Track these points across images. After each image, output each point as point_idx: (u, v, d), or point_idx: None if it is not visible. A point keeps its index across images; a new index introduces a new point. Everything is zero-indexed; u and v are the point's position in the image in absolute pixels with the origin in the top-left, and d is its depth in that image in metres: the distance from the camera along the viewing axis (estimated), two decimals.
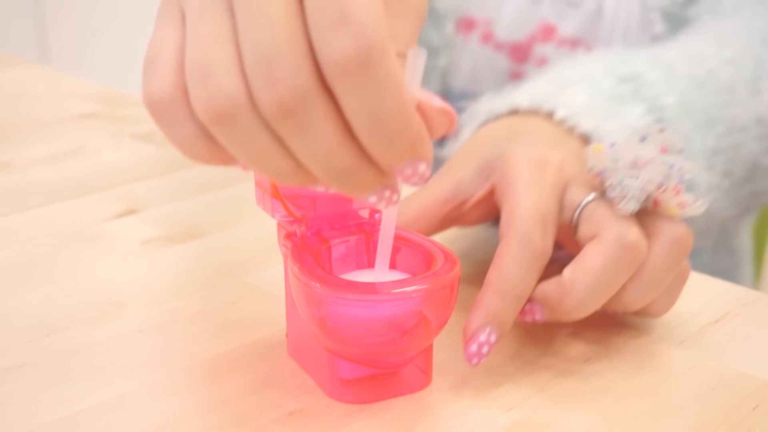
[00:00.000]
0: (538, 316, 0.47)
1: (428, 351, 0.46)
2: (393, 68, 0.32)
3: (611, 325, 0.52)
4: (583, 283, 0.45)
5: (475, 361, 0.45)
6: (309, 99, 0.32)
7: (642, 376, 0.47)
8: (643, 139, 0.47)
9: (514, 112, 0.57)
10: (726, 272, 0.87)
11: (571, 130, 0.55)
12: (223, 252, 0.60)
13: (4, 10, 2.39)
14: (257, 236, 0.61)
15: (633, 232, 0.46)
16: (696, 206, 0.47)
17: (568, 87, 0.58)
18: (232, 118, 0.33)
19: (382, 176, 0.35)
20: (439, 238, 0.57)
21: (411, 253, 0.45)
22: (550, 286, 0.46)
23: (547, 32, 0.81)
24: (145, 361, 0.48)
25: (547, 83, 0.59)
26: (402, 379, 0.45)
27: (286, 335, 0.48)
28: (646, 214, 0.48)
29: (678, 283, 0.49)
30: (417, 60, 0.34)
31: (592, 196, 0.48)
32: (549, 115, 0.56)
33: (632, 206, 0.46)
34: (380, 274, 0.43)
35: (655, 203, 0.47)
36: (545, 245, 0.46)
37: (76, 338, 0.50)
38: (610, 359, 0.48)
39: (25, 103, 0.89)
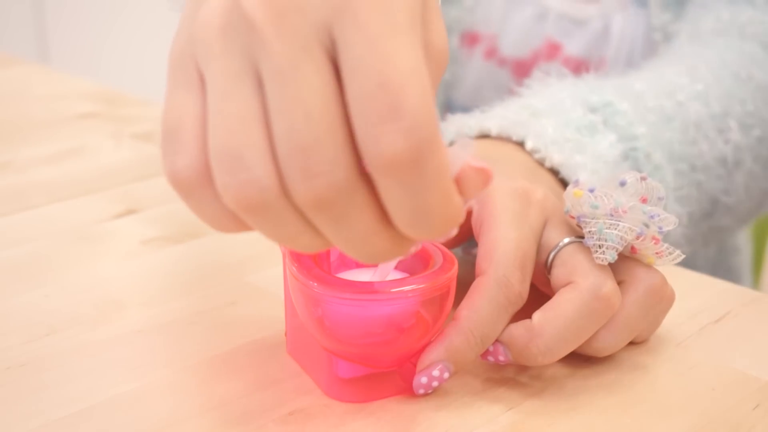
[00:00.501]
0: (502, 358, 0.45)
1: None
2: (443, 164, 0.30)
3: None
4: (552, 329, 0.44)
5: (421, 391, 0.44)
6: (348, 193, 0.31)
7: (642, 376, 0.47)
8: (623, 184, 0.46)
9: (484, 136, 0.56)
10: (730, 269, 0.87)
11: (541, 162, 0.54)
12: (223, 252, 0.60)
13: (4, 10, 2.39)
14: (257, 236, 0.61)
15: (608, 285, 0.44)
16: (673, 256, 0.46)
17: (538, 116, 0.56)
18: (263, 207, 0.32)
19: (411, 244, 0.34)
20: None
21: None
22: (517, 329, 0.44)
23: (552, 50, 0.81)
24: (145, 361, 0.48)
25: (516, 111, 0.57)
26: (400, 379, 0.45)
27: (285, 334, 0.49)
28: (623, 259, 0.47)
29: (662, 311, 0.48)
30: (466, 148, 0.33)
31: (567, 240, 0.47)
32: (519, 145, 0.55)
33: (610, 257, 0.45)
34: (382, 273, 0.43)
35: (633, 250, 0.46)
36: (522, 291, 0.45)
37: (76, 338, 0.50)
38: (610, 359, 0.48)
39: (25, 103, 0.89)
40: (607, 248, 0.45)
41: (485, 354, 0.45)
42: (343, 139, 0.30)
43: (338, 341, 0.42)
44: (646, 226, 0.45)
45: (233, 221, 0.34)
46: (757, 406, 0.45)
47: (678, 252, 0.46)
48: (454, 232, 0.33)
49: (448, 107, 0.84)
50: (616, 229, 0.45)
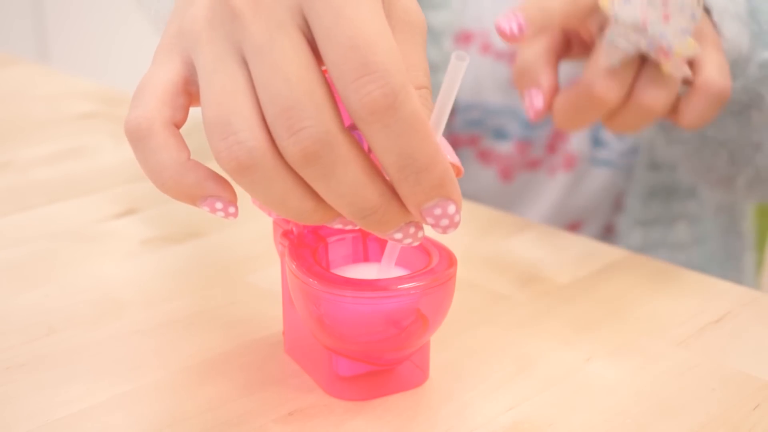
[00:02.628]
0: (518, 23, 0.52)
1: (425, 348, 0.46)
2: (417, 108, 0.34)
3: (611, 325, 0.52)
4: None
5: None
6: (331, 144, 0.34)
7: (642, 376, 0.47)
8: (650, 3, 0.51)
9: None
10: (735, 256, 0.87)
11: None
12: (222, 252, 0.60)
13: (4, 10, 2.39)
14: (257, 236, 0.61)
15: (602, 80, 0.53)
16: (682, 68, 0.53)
17: None
18: (252, 168, 0.35)
19: (406, 213, 0.36)
20: (437, 236, 0.57)
21: (409, 250, 0.45)
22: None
23: None
24: (145, 361, 0.48)
25: None
26: (399, 376, 0.45)
27: (283, 333, 0.49)
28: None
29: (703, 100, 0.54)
30: (444, 106, 0.37)
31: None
32: None
33: (613, 63, 0.52)
34: (385, 268, 0.43)
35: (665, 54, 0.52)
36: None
37: (76, 338, 0.50)
38: (610, 359, 0.48)
39: (24, 102, 0.89)
40: (609, 57, 0.53)
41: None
42: (322, 98, 0.34)
43: (338, 339, 0.42)
44: (654, 43, 0.52)
45: (175, 175, 0.38)
46: (757, 406, 0.45)
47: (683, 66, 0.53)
48: (454, 208, 0.36)
49: (453, 107, 0.84)
50: (625, 42, 0.52)
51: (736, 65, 0.60)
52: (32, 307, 0.53)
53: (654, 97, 0.54)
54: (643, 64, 0.54)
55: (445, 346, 0.49)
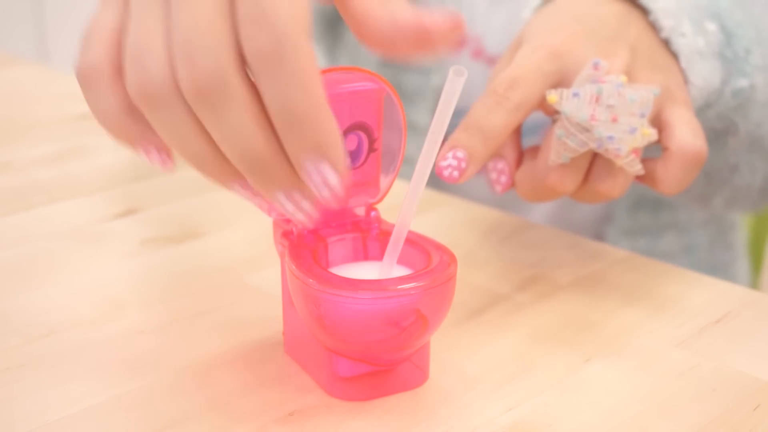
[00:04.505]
0: (503, 178, 0.53)
1: (425, 348, 0.46)
2: (304, 63, 0.35)
3: (611, 325, 0.52)
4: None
5: (446, 173, 0.50)
6: (225, 82, 0.36)
7: (642, 376, 0.47)
8: (599, 102, 0.49)
9: None
10: (723, 267, 0.87)
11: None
12: (222, 252, 0.60)
13: (4, 10, 2.39)
14: (257, 236, 0.61)
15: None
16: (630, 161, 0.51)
17: None
18: (158, 99, 0.37)
19: (293, 174, 0.38)
20: (437, 236, 0.57)
21: (409, 250, 0.45)
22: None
23: None
24: (145, 361, 0.48)
25: None
26: (399, 376, 0.45)
27: (283, 333, 0.49)
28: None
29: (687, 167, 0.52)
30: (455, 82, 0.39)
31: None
32: None
33: (563, 159, 0.51)
34: (386, 268, 0.43)
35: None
36: (511, 96, 0.51)
37: (76, 338, 0.50)
38: (610, 359, 0.48)
39: (24, 103, 0.89)
40: (557, 153, 0.51)
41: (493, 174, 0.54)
42: (226, 38, 0.36)
43: (338, 339, 0.42)
44: (600, 144, 0.50)
45: (121, 119, 0.39)
46: (758, 407, 0.45)
47: (632, 158, 0.51)
48: (334, 177, 0.37)
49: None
50: (571, 139, 0.50)
51: (709, 96, 0.59)
52: (32, 307, 0.53)
53: (609, 186, 0.52)
54: (596, 154, 0.52)
55: (445, 346, 0.49)
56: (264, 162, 0.37)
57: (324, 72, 0.43)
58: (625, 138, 0.49)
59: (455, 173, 0.50)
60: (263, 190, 0.39)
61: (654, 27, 0.57)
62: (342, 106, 0.45)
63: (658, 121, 0.54)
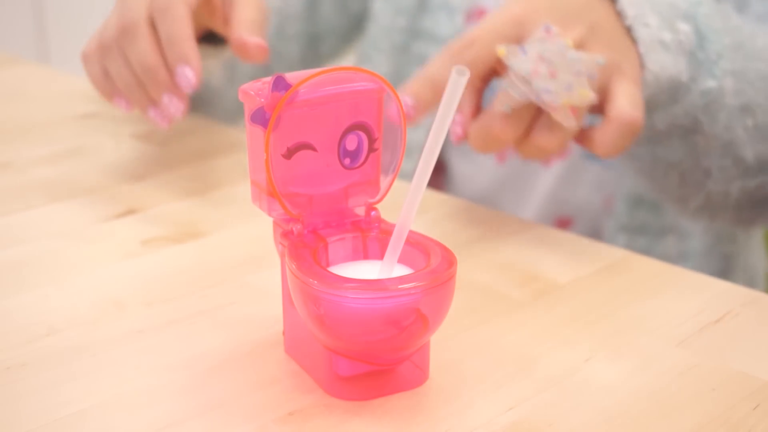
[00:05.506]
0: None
1: (425, 348, 0.46)
2: (178, 13, 0.62)
3: (611, 325, 0.52)
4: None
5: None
6: (136, 25, 0.63)
7: (642, 376, 0.47)
8: (542, 59, 0.55)
9: None
10: (717, 275, 0.87)
11: None
12: (223, 252, 0.60)
13: (4, 10, 2.39)
14: (257, 236, 0.61)
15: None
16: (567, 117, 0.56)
17: None
18: (108, 47, 0.64)
19: (172, 81, 0.62)
20: (437, 236, 0.57)
21: (409, 250, 0.45)
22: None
23: None
24: (145, 361, 0.48)
25: None
26: (399, 376, 0.45)
27: (283, 333, 0.49)
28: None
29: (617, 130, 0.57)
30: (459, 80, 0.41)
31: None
32: None
33: (506, 108, 0.56)
34: (387, 267, 0.43)
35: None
36: (469, 56, 0.59)
37: (76, 338, 0.50)
38: (610, 359, 0.48)
39: (25, 102, 0.89)
40: (502, 102, 0.57)
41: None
42: (142, 7, 0.63)
43: (338, 339, 0.42)
44: (538, 96, 0.55)
45: (103, 78, 0.67)
46: (757, 406, 0.45)
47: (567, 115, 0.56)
48: (191, 72, 0.62)
49: None
50: (516, 92, 0.56)
51: (675, 91, 0.62)
52: (32, 307, 0.53)
53: (547, 141, 0.57)
54: (540, 108, 0.58)
55: (445, 346, 0.49)
56: (155, 72, 0.62)
57: (324, 72, 0.43)
58: (561, 93, 0.55)
59: (407, 107, 0.58)
60: (156, 95, 0.63)
61: (620, 15, 0.61)
62: (342, 106, 0.45)
63: (603, 92, 0.58)
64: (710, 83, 0.63)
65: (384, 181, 0.47)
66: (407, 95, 0.59)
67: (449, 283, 0.43)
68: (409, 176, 0.83)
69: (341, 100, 0.45)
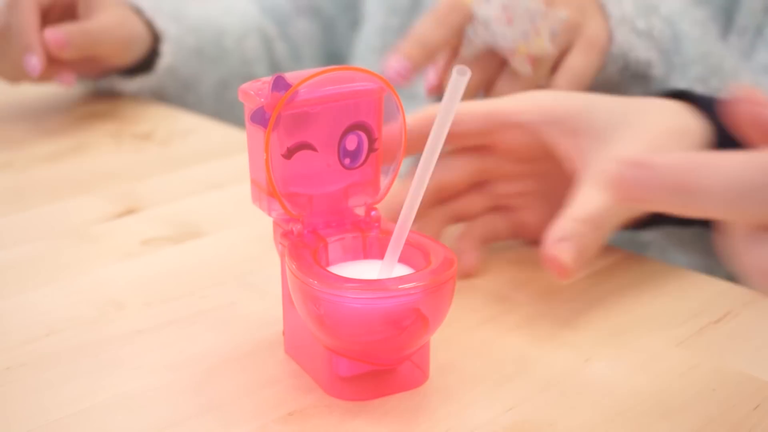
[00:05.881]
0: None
1: (425, 348, 0.46)
2: (25, 6, 0.78)
3: (611, 325, 0.52)
4: None
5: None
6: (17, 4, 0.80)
7: (642, 376, 0.47)
8: (504, 7, 0.59)
9: None
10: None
11: None
12: (223, 252, 0.60)
13: None
14: (257, 236, 0.61)
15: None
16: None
17: None
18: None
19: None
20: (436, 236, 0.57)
21: (409, 250, 0.45)
22: None
23: None
24: (145, 361, 0.48)
25: None
26: (399, 376, 0.45)
27: (283, 333, 0.49)
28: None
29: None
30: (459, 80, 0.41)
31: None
32: None
33: (467, 54, 0.62)
34: (387, 267, 0.43)
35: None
36: (454, 21, 0.62)
37: (76, 338, 0.50)
38: (610, 359, 0.48)
39: (24, 102, 0.89)
40: (467, 46, 0.62)
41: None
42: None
43: (338, 339, 0.42)
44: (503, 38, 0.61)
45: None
46: (758, 407, 0.45)
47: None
48: (35, 59, 0.78)
49: None
50: (477, 37, 0.61)
51: (647, 83, 0.66)
52: (32, 307, 0.53)
53: (508, 88, 0.62)
54: (503, 63, 0.63)
55: (445, 346, 0.49)
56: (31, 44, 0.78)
57: (324, 72, 0.43)
58: (517, 39, 0.60)
59: (400, 75, 0.62)
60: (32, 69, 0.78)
61: None
62: (342, 106, 0.45)
63: (563, 55, 0.63)
64: (681, 85, 0.65)
65: (384, 181, 0.47)
66: (400, 57, 0.61)
67: (449, 283, 0.43)
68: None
69: (341, 100, 0.44)
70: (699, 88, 0.65)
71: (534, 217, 0.58)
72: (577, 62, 0.63)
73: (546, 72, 0.63)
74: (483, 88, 0.64)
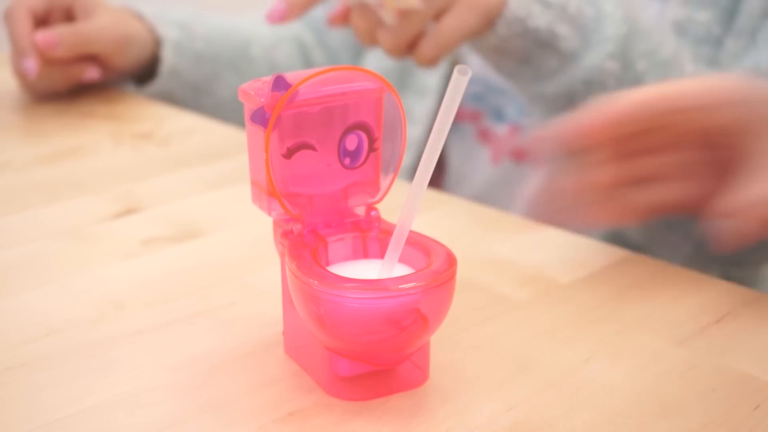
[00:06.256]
0: None
1: (425, 348, 0.46)
2: (17, 15, 0.83)
3: (611, 325, 0.52)
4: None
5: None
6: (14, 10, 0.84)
7: (642, 376, 0.47)
8: None
9: None
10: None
11: None
12: (223, 252, 0.60)
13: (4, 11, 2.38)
14: (257, 236, 0.61)
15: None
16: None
17: None
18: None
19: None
20: (437, 236, 0.57)
21: (409, 250, 0.45)
22: None
23: None
24: (145, 361, 0.48)
25: None
26: (399, 376, 0.45)
27: (283, 333, 0.49)
28: None
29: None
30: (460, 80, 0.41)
31: None
32: None
33: (349, 6, 0.69)
34: (388, 267, 0.43)
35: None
36: None
37: (76, 338, 0.50)
38: (610, 359, 0.48)
39: (24, 102, 0.89)
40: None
41: None
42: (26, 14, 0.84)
43: (338, 339, 0.42)
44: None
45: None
46: (758, 407, 0.45)
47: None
48: (31, 62, 0.82)
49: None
50: None
51: (557, 53, 0.67)
52: (32, 307, 0.53)
53: (383, 39, 0.67)
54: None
55: (445, 346, 0.49)
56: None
57: (324, 72, 0.43)
58: None
59: (278, 14, 0.68)
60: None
61: None
62: (342, 105, 0.45)
63: (439, 18, 0.66)
64: (594, 60, 0.67)
65: (384, 181, 0.47)
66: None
67: (449, 283, 0.43)
68: (408, 173, 0.83)
69: (341, 100, 0.44)
70: (612, 67, 0.67)
71: (702, 191, 0.58)
72: (447, 22, 0.65)
73: (421, 25, 0.66)
74: (366, 36, 0.68)
